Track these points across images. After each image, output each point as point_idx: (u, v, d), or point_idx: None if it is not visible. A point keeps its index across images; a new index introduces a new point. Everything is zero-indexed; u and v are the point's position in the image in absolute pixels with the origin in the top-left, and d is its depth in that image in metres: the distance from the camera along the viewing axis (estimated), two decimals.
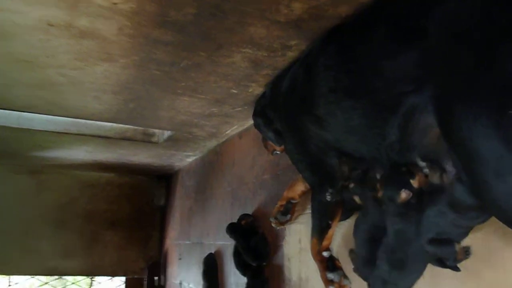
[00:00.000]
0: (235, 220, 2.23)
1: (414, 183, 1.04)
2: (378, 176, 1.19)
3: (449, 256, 1.02)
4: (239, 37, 1.37)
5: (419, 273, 1.11)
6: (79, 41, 1.40)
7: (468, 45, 0.84)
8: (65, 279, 5.31)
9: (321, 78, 1.25)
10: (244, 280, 2.11)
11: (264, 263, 2.03)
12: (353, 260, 1.33)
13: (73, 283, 5.37)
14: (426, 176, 1.03)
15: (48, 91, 1.87)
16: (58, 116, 2.29)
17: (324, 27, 1.29)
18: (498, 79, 0.78)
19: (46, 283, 4.85)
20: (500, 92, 0.77)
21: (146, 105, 2.04)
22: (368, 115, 1.12)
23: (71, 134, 2.59)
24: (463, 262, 1.02)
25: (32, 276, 4.04)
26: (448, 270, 1.03)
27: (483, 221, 0.97)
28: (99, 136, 2.66)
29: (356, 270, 1.31)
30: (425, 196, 1.03)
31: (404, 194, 1.06)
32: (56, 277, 4.60)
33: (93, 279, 5.15)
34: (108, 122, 2.40)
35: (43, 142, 2.80)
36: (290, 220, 1.75)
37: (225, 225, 2.23)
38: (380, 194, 1.14)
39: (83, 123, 2.56)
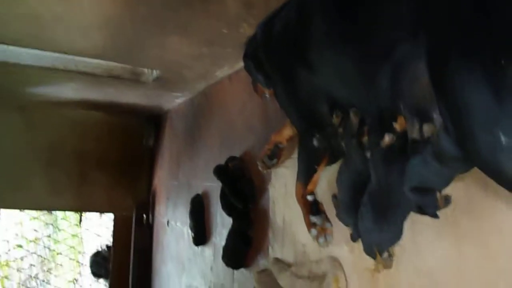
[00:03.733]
0: (222, 163, 2.25)
1: (396, 126, 1.04)
2: (357, 121, 1.18)
3: (430, 204, 1.04)
4: None
5: (402, 219, 1.13)
6: None
7: None
8: (55, 214, 5.41)
9: (315, 20, 1.22)
10: (229, 220, 2.16)
11: (250, 206, 2.07)
12: (336, 206, 1.35)
13: (62, 218, 5.48)
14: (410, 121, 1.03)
15: (33, 25, 1.80)
16: (44, 51, 2.23)
17: None
18: (496, 28, 0.76)
19: (36, 218, 4.94)
20: (496, 42, 0.75)
21: (133, 42, 1.98)
22: (360, 61, 1.10)
23: (58, 69, 2.51)
24: (443, 210, 1.04)
25: (21, 210, 4.10)
26: (427, 218, 1.05)
27: (466, 171, 0.98)
28: (86, 73, 2.59)
29: (338, 215, 1.33)
30: (409, 144, 1.03)
31: (387, 138, 1.06)
32: (46, 212, 4.68)
33: (82, 215, 5.26)
34: (95, 58, 2.35)
35: (31, 77, 2.73)
36: (276, 164, 1.76)
37: (213, 167, 2.25)
38: (364, 139, 1.15)
39: (70, 59, 2.47)
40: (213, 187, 2.46)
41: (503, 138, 0.74)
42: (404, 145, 1.05)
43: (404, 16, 0.96)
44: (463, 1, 0.80)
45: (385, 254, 1.19)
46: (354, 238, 1.25)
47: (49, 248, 5.45)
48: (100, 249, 4.27)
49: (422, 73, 0.93)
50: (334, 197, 1.37)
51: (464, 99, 0.78)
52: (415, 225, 1.14)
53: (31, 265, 5.34)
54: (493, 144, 0.75)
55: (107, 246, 4.19)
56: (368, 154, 1.16)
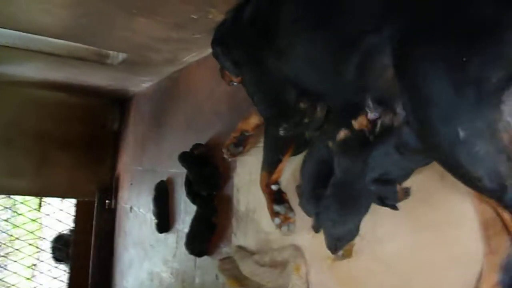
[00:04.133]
0: (188, 149, 2.23)
1: (355, 123, 1.05)
2: (322, 115, 1.20)
3: (390, 195, 1.06)
4: None
5: (366, 209, 1.15)
6: None
7: None
8: (13, 198, 5.24)
9: (284, 7, 1.21)
10: (193, 208, 2.14)
11: (214, 193, 2.06)
12: (299, 195, 1.36)
13: (21, 203, 5.31)
14: (373, 120, 1.05)
15: None
16: (4, 28, 2.13)
17: None
18: (459, 24, 0.77)
19: None
20: (458, 37, 0.77)
21: (99, 23, 1.92)
22: (328, 51, 1.10)
23: (20, 49, 2.41)
24: (402, 202, 1.06)
25: None
26: (387, 209, 1.07)
27: (426, 164, 1.01)
28: (50, 54, 2.50)
29: (301, 205, 1.35)
30: (374, 137, 1.05)
31: (342, 133, 1.08)
32: (4, 196, 4.52)
33: (42, 200, 5.11)
34: (59, 38, 2.26)
35: None
36: (242, 152, 1.76)
37: (178, 153, 2.22)
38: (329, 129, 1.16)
39: (33, 38, 2.38)
40: (178, 173, 2.44)
41: (461, 133, 0.76)
42: (362, 140, 1.07)
43: (372, 8, 0.97)
44: None
45: (341, 252, 1.20)
46: (316, 229, 1.26)
47: (6, 233, 5.28)
48: (62, 233, 4.16)
49: (387, 65, 0.94)
50: (298, 187, 1.38)
51: (426, 92, 0.80)
52: (375, 215, 1.16)
53: None
54: (452, 137, 0.78)
55: (71, 230, 4.09)
56: (331, 145, 1.17)
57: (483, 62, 0.73)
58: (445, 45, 0.79)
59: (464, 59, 0.75)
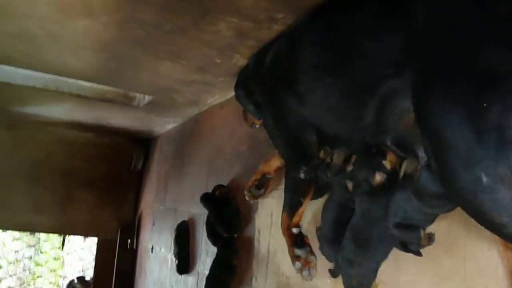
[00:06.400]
0: (209, 189, 2.24)
1: (387, 164, 1.05)
2: (343, 156, 1.19)
3: (413, 241, 1.04)
4: (226, 5, 1.33)
5: (384, 254, 1.13)
6: None
7: (453, 32, 0.84)
8: (38, 236, 5.30)
9: (304, 54, 1.24)
10: (214, 249, 2.13)
11: (235, 234, 2.05)
12: (319, 238, 1.35)
13: (45, 240, 5.37)
14: (398, 156, 1.04)
15: (27, 44, 1.81)
16: (37, 71, 2.23)
17: (312, 2, 1.27)
18: (479, 70, 0.78)
19: (19, 239, 4.84)
20: (478, 84, 0.77)
21: (127, 66, 2.00)
22: (347, 95, 1.12)
23: (51, 91, 2.52)
24: (426, 248, 1.04)
25: (3, 230, 4.01)
26: (410, 255, 1.05)
27: (449, 210, 0.99)
28: (79, 96, 2.60)
29: (321, 249, 1.33)
30: (400, 179, 1.04)
31: (378, 177, 1.07)
32: (29, 233, 4.58)
33: (66, 237, 5.16)
34: (88, 81, 2.35)
35: (22, 97, 2.73)
36: (263, 194, 1.76)
37: (200, 193, 2.23)
38: (348, 173, 1.15)
39: (64, 81, 2.49)
40: (199, 214, 2.44)
41: (484, 178, 0.75)
42: (393, 182, 1.06)
43: (391, 53, 0.98)
44: (450, 42, 0.83)
45: None
46: (335, 274, 1.24)
47: (29, 271, 5.32)
48: (74, 280, 4.14)
49: (407, 110, 0.94)
50: (318, 229, 1.36)
51: (446, 136, 0.80)
52: (398, 262, 1.14)
53: (9, 287, 5.20)
54: (475, 183, 0.76)
55: (79, 278, 4.07)
56: (353, 188, 1.16)
57: (504, 108, 0.73)
58: (465, 90, 0.79)
59: (485, 104, 0.75)
